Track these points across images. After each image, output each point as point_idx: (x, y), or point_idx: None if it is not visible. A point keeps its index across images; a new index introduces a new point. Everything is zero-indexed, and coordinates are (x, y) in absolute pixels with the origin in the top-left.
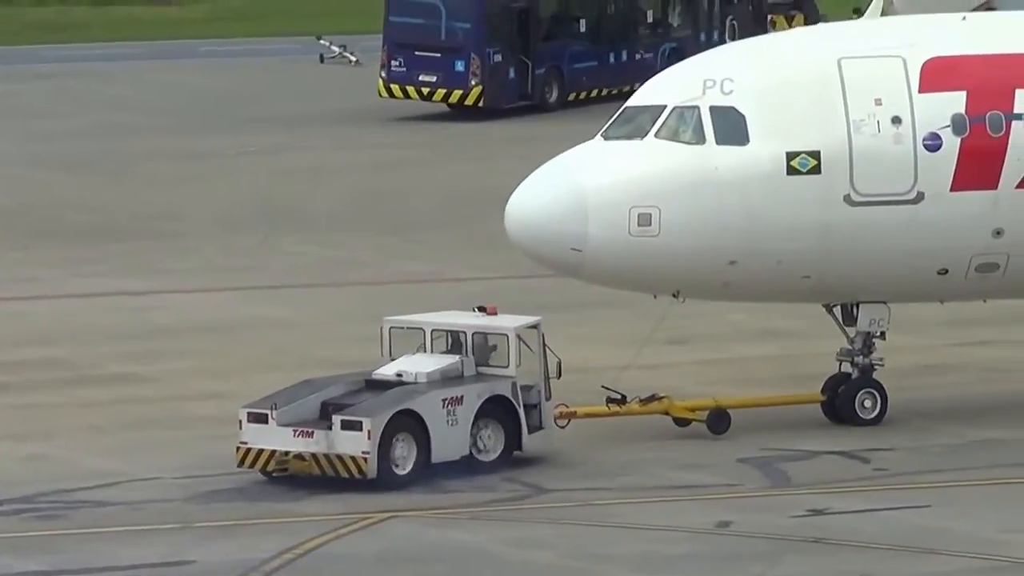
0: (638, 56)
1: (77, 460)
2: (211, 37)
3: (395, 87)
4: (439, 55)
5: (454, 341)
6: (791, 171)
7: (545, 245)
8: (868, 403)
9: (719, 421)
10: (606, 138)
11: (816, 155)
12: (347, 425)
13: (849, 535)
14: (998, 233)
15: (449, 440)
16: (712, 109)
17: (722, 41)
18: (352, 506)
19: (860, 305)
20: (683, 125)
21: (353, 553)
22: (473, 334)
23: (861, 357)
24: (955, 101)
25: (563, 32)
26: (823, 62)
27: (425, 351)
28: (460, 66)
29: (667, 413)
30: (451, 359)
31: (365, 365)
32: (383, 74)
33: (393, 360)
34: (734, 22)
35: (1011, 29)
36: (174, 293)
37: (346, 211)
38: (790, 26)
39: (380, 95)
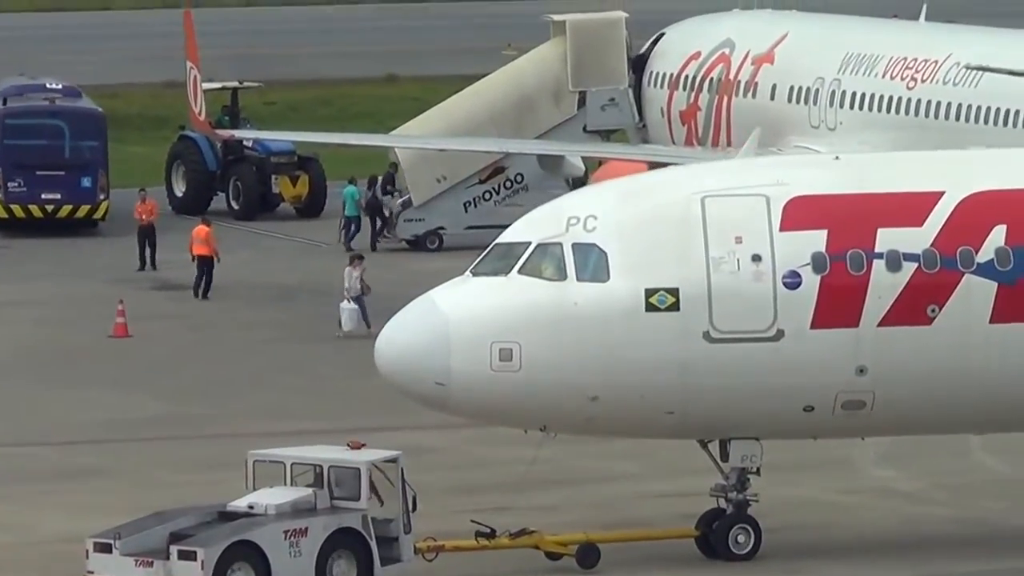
0: None
1: None
2: None
3: (16, 207)
4: (63, 173)
5: (316, 475)
6: (650, 308)
7: (411, 379)
8: (742, 539)
9: (588, 555)
10: (474, 274)
11: (675, 292)
12: (183, 555)
13: None
14: (861, 371)
15: (292, 571)
16: (575, 246)
17: (229, 201)
18: None
19: (732, 441)
20: (546, 261)
21: None
22: (329, 467)
23: (735, 493)
24: (816, 239)
25: None
26: (687, 200)
27: (285, 484)
28: (87, 182)
29: (537, 547)
30: (305, 492)
31: None
32: (0, 196)
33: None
34: (238, 182)
35: (880, 169)
36: None
37: None
38: (294, 187)
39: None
